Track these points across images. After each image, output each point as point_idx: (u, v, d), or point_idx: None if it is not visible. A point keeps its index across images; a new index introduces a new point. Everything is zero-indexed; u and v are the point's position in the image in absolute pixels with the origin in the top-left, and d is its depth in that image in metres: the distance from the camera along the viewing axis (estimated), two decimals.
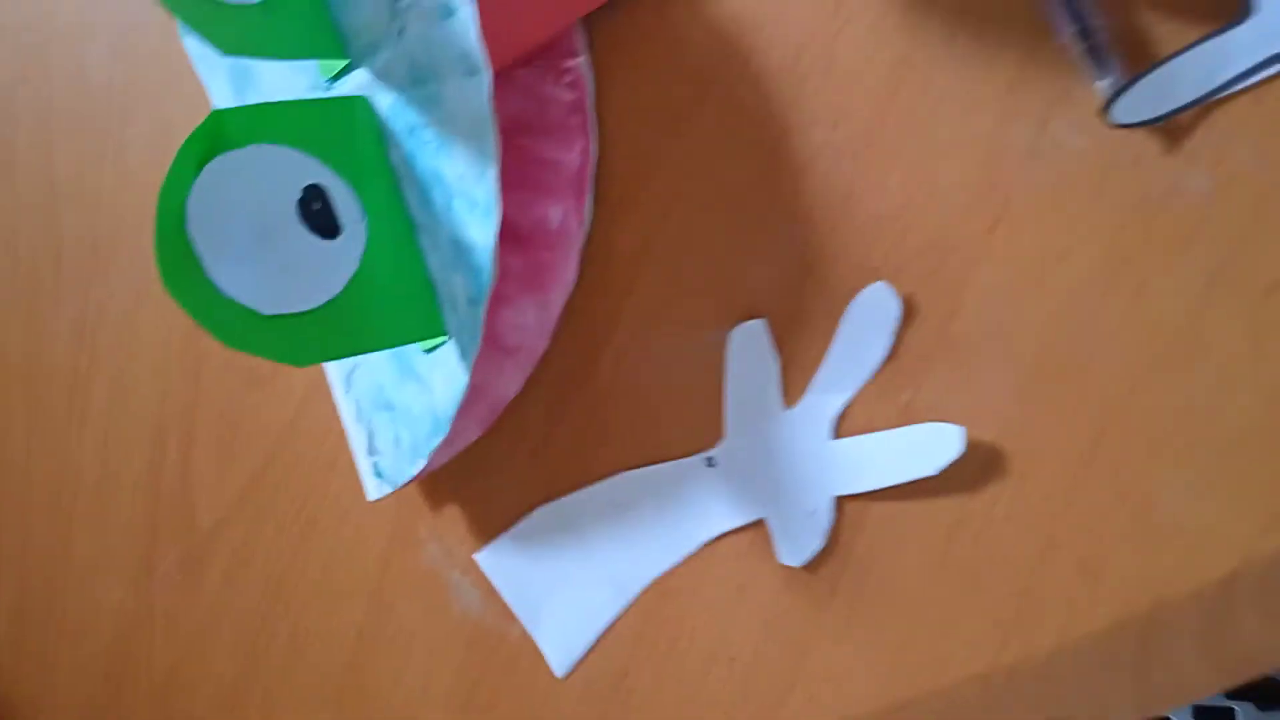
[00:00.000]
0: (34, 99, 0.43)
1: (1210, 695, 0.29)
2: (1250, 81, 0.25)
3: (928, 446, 0.30)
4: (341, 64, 0.32)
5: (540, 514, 0.36)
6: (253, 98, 0.35)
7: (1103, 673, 0.29)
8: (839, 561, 0.32)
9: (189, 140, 0.27)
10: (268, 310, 0.28)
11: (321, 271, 0.29)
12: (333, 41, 0.31)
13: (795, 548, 0.32)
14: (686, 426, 0.33)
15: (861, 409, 0.31)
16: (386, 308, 0.31)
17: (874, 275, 0.30)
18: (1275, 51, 0.25)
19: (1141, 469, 0.28)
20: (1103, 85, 0.26)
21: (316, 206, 0.30)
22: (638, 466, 0.34)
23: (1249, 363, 0.27)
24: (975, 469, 0.30)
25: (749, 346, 0.32)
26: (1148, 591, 0.28)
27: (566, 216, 0.32)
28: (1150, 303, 0.27)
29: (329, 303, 0.29)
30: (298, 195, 0.29)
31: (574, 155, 0.32)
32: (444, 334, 0.32)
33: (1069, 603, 0.29)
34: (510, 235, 0.32)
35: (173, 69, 0.39)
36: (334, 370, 0.37)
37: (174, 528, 0.43)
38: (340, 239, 0.30)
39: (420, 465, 0.33)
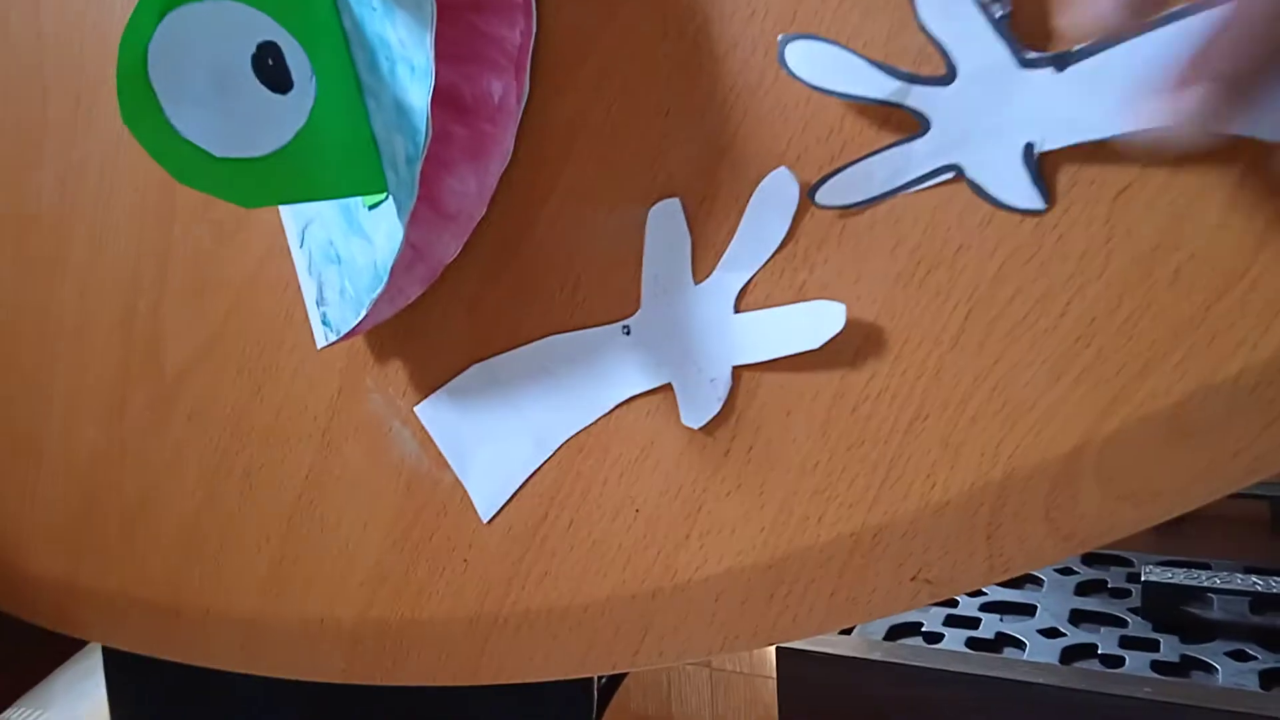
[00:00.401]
0: None
1: (1054, 563, 0.32)
2: (923, 186, 0.30)
3: (814, 322, 0.32)
4: None
5: (473, 372, 0.39)
6: None
7: (959, 537, 0.32)
8: (733, 425, 0.35)
9: None
10: (220, 153, 0.31)
11: (272, 122, 0.32)
12: None
13: (696, 411, 0.35)
14: (607, 295, 0.36)
15: (761, 286, 0.34)
16: (331, 160, 0.33)
17: (779, 161, 0.32)
18: (943, 164, 0.30)
19: (1000, 352, 0.31)
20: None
21: (270, 62, 0.32)
22: (563, 331, 0.37)
23: (1100, 259, 0.29)
24: (856, 346, 0.33)
25: (665, 224, 0.34)
26: (1000, 464, 0.31)
27: (506, 91, 0.35)
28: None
29: (278, 151, 0.32)
30: (252, 50, 0.32)
31: (515, 33, 0.34)
32: (385, 190, 0.34)
33: (931, 471, 0.32)
34: (455, 105, 0.35)
35: None
36: (290, 225, 0.40)
37: (144, 371, 0.46)
38: (291, 94, 0.33)
39: (362, 314, 0.36)
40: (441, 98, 0.35)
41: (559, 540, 0.39)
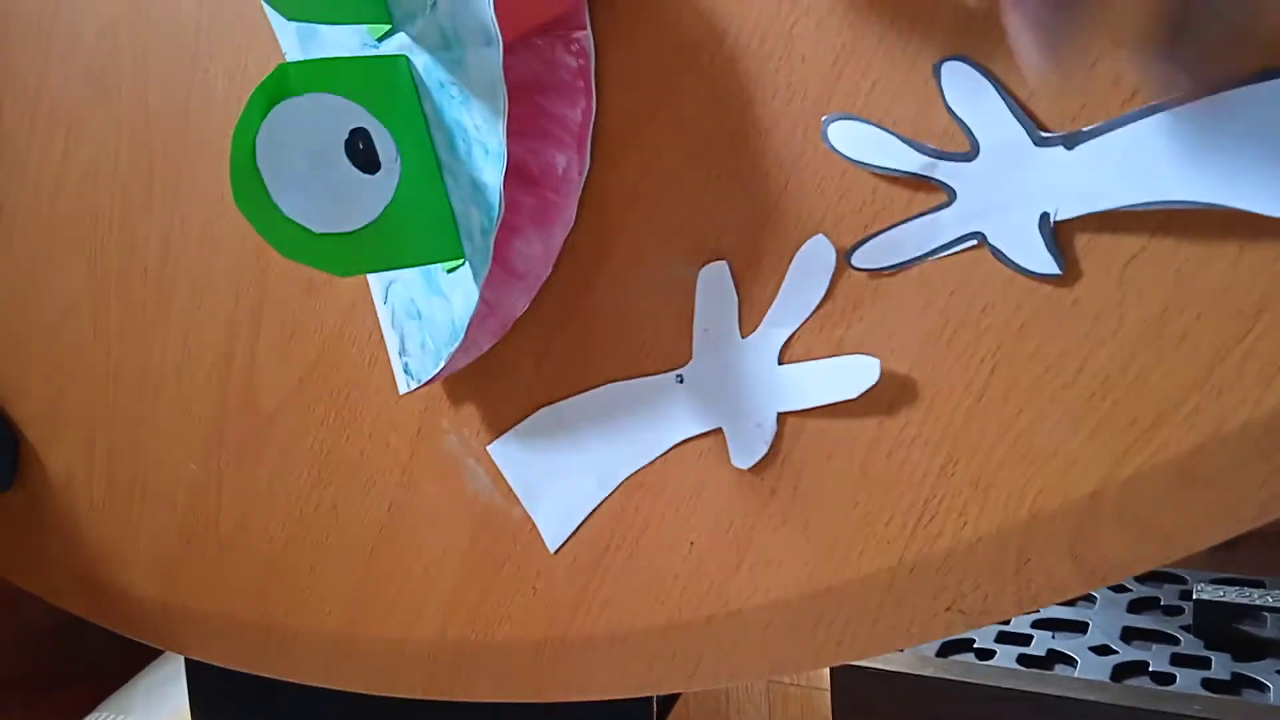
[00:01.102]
0: (133, 40, 0.50)
1: (1080, 594, 0.35)
2: (950, 252, 0.33)
3: (851, 375, 0.35)
4: (386, 27, 0.38)
5: (541, 415, 0.42)
6: (315, 49, 0.41)
7: (990, 572, 0.35)
8: (779, 466, 0.38)
9: (259, 88, 0.34)
10: (318, 229, 0.35)
11: (363, 200, 0.36)
12: (380, 9, 0.37)
13: (745, 453, 0.38)
14: (662, 347, 0.39)
15: (803, 341, 0.37)
16: (415, 232, 0.37)
17: (817, 228, 0.36)
18: (967, 231, 0.33)
19: (1023, 404, 0.33)
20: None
21: (360, 146, 0.36)
22: (622, 379, 0.40)
23: (1114, 319, 0.32)
24: (891, 396, 0.35)
25: (714, 284, 0.38)
26: (1026, 505, 0.34)
27: (569, 164, 0.38)
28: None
29: (367, 225, 0.36)
30: (345, 136, 0.36)
31: (578, 112, 0.38)
32: (462, 257, 0.38)
33: (962, 511, 0.35)
34: (523, 177, 0.39)
35: (250, 18, 0.45)
36: (375, 283, 0.44)
37: (241, 410, 0.51)
38: (379, 174, 0.36)
39: (440, 366, 0.40)
40: (511, 170, 0.38)
41: (620, 570, 0.42)
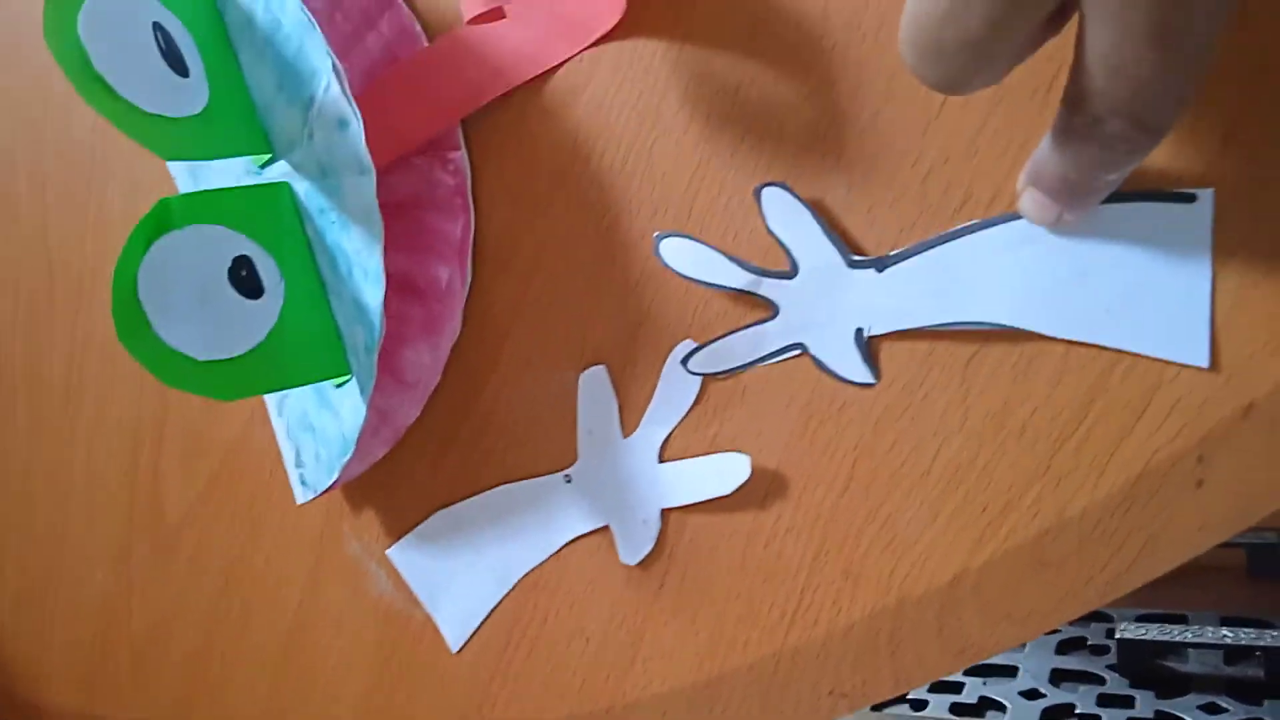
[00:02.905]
0: (30, 160, 0.51)
1: (949, 674, 0.36)
2: (776, 360, 0.36)
3: (724, 471, 0.37)
4: (269, 155, 0.39)
5: (438, 518, 0.43)
6: (203, 177, 0.42)
7: (865, 656, 0.37)
8: (666, 561, 0.39)
9: (140, 224, 0.35)
10: (202, 357, 0.36)
11: (247, 325, 0.37)
12: (261, 140, 0.39)
13: (632, 549, 0.40)
14: (551, 449, 0.41)
15: (680, 439, 0.38)
16: (300, 352, 0.38)
17: (686, 333, 0.37)
18: (790, 342, 0.35)
19: (884, 495, 0.35)
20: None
21: (243, 273, 0.37)
22: (513, 480, 0.42)
23: (959, 414, 0.34)
24: (764, 490, 0.37)
25: (594, 387, 0.39)
26: (894, 591, 0.36)
27: (452, 276, 0.40)
28: (885, 364, 0.35)
29: (253, 350, 0.37)
30: (228, 264, 0.37)
31: (458, 227, 0.39)
32: (349, 373, 0.39)
33: (835, 598, 0.37)
34: (410, 289, 0.40)
35: None
36: (269, 397, 0.45)
37: (147, 520, 0.51)
38: (263, 299, 0.38)
39: (334, 478, 0.41)
40: (397, 283, 0.40)
41: (521, 666, 0.43)
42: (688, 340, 0.37)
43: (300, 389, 0.42)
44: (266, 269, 0.38)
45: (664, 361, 0.38)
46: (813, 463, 0.36)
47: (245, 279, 0.37)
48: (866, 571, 0.36)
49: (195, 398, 0.48)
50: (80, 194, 0.50)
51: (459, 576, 0.43)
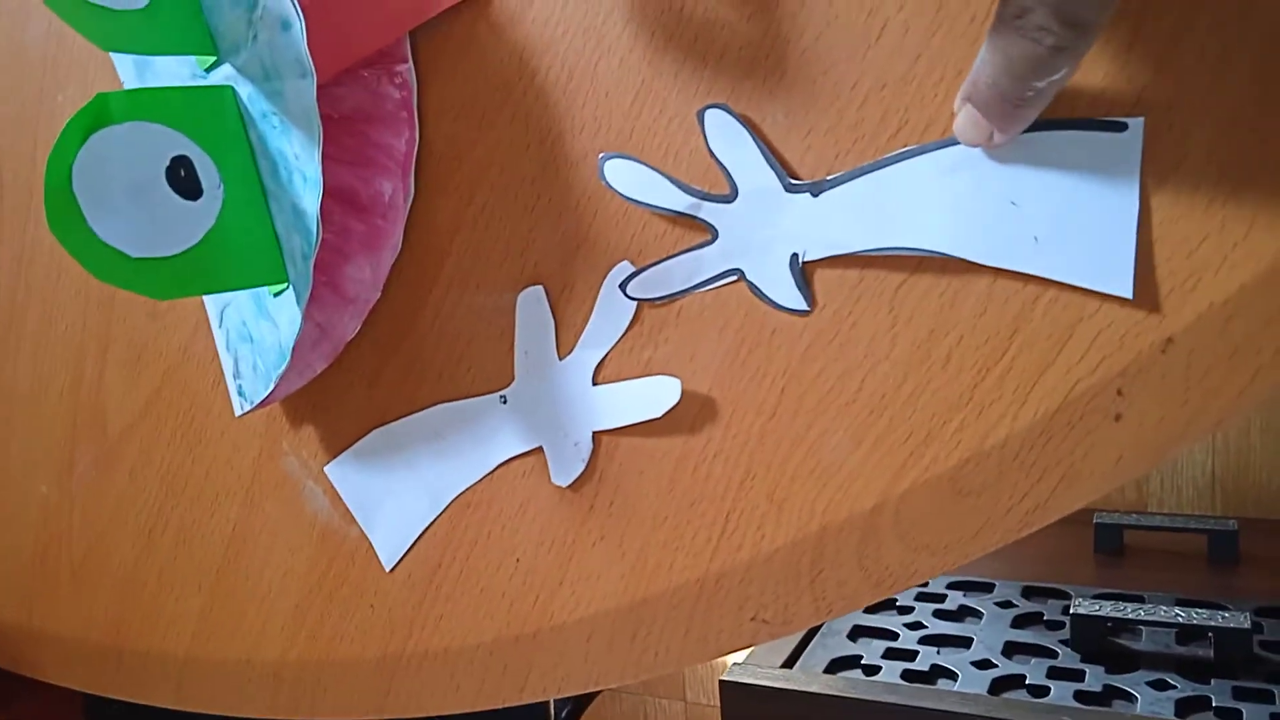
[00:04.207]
0: None
1: (870, 603, 0.36)
2: (713, 286, 0.36)
3: (656, 394, 0.37)
4: (214, 58, 0.39)
5: (375, 436, 0.43)
6: (150, 79, 0.42)
7: (788, 583, 0.37)
8: (595, 484, 0.39)
9: (77, 116, 0.35)
10: (135, 254, 0.36)
11: (183, 225, 0.37)
12: (205, 41, 0.38)
13: (564, 471, 0.40)
14: (487, 369, 0.41)
15: (614, 362, 0.38)
16: (237, 257, 0.38)
17: (624, 255, 0.37)
18: (727, 268, 0.35)
19: (811, 421, 0.35)
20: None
21: (182, 173, 0.37)
22: (450, 400, 0.42)
23: (887, 342, 0.34)
24: (694, 414, 0.37)
25: (532, 308, 0.39)
26: (817, 518, 0.36)
27: (395, 191, 0.40)
28: (816, 290, 0.35)
29: (187, 250, 0.37)
30: (166, 163, 0.37)
31: (402, 142, 0.39)
32: (286, 280, 0.39)
33: (760, 524, 0.37)
34: (353, 203, 0.40)
35: (97, 50, 0.46)
36: (211, 307, 0.45)
37: (90, 433, 0.51)
38: (200, 200, 0.37)
39: (270, 388, 0.41)
40: (341, 197, 0.40)
41: (452, 587, 0.43)
42: (625, 262, 0.37)
43: (240, 298, 0.42)
44: (206, 171, 0.38)
45: (601, 284, 0.38)
46: (743, 388, 0.36)
47: (184, 179, 0.37)
48: (792, 497, 0.36)
49: (140, 310, 0.48)
50: (31, 106, 0.49)
51: (394, 495, 0.43)
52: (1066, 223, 0.31)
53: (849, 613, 0.36)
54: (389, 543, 0.44)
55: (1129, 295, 0.31)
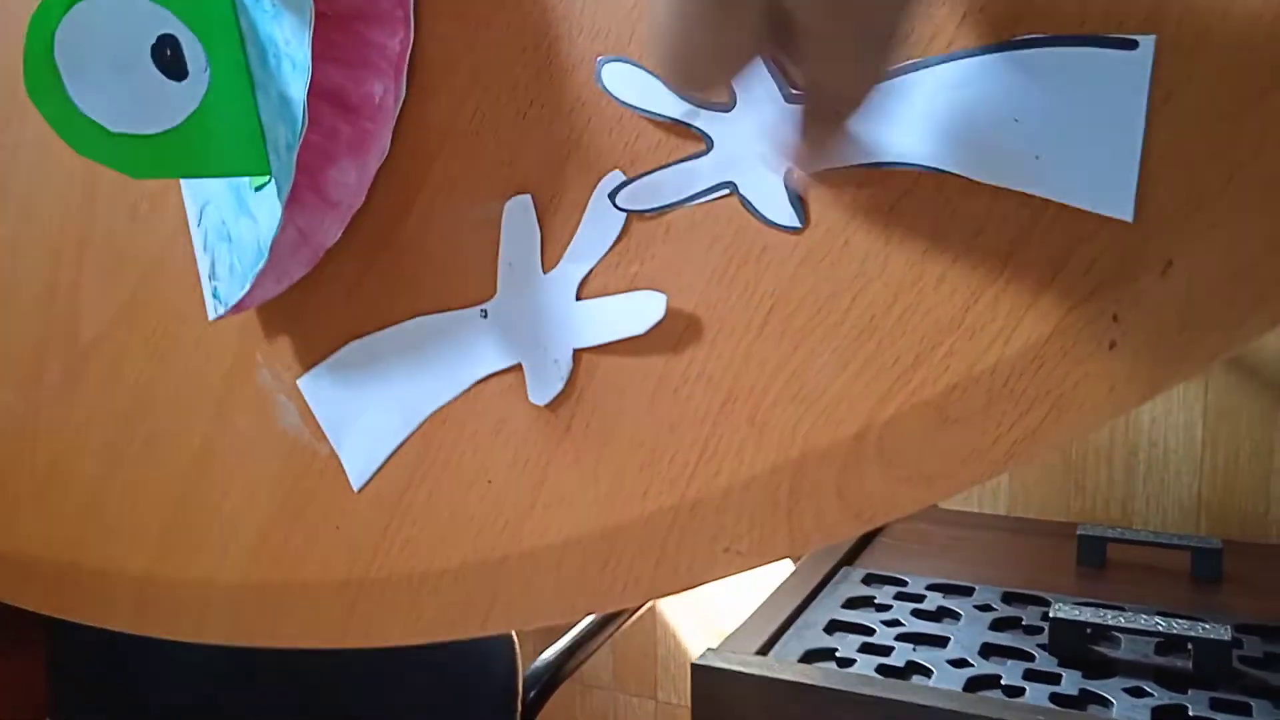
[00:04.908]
0: None
1: (848, 538, 0.35)
2: (704, 200, 0.35)
3: (640, 310, 0.36)
4: None
5: (351, 348, 0.42)
6: None
7: (764, 512, 0.36)
8: (574, 404, 0.38)
9: None
10: (116, 129, 0.35)
11: (166, 105, 0.36)
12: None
13: (542, 389, 0.39)
14: (469, 281, 0.40)
15: (600, 277, 0.37)
16: (219, 143, 0.37)
17: (615, 165, 0.36)
18: (720, 180, 0.34)
19: (797, 342, 0.34)
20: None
21: (169, 52, 0.36)
22: (429, 313, 0.41)
23: (880, 261, 0.33)
24: (678, 333, 0.36)
25: (518, 218, 0.38)
26: (797, 444, 0.35)
27: (386, 92, 0.39)
28: (810, 207, 0.34)
29: (169, 130, 0.36)
30: (153, 41, 0.36)
31: (396, 42, 0.38)
32: (267, 172, 0.38)
33: (739, 449, 0.36)
34: (341, 104, 0.39)
35: None
36: (190, 204, 0.44)
37: (62, 341, 0.50)
38: (185, 82, 0.36)
39: (247, 288, 0.40)
40: (330, 98, 0.39)
41: (420, 509, 0.42)
42: (616, 171, 0.36)
43: (221, 196, 0.41)
44: (193, 53, 0.37)
45: (591, 194, 0.37)
46: (729, 307, 0.35)
47: (170, 59, 0.36)
48: (772, 422, 0.35)
49: (119, 210, 0.47)
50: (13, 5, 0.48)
51: (367, 411, 0.42)
52: (1069, 142, 0.30)
53: (825, 545, 0.35)
54: (359, 461, 0.43)
55: (1129, 218, 0.30)
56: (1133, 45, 0.29)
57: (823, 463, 0.35)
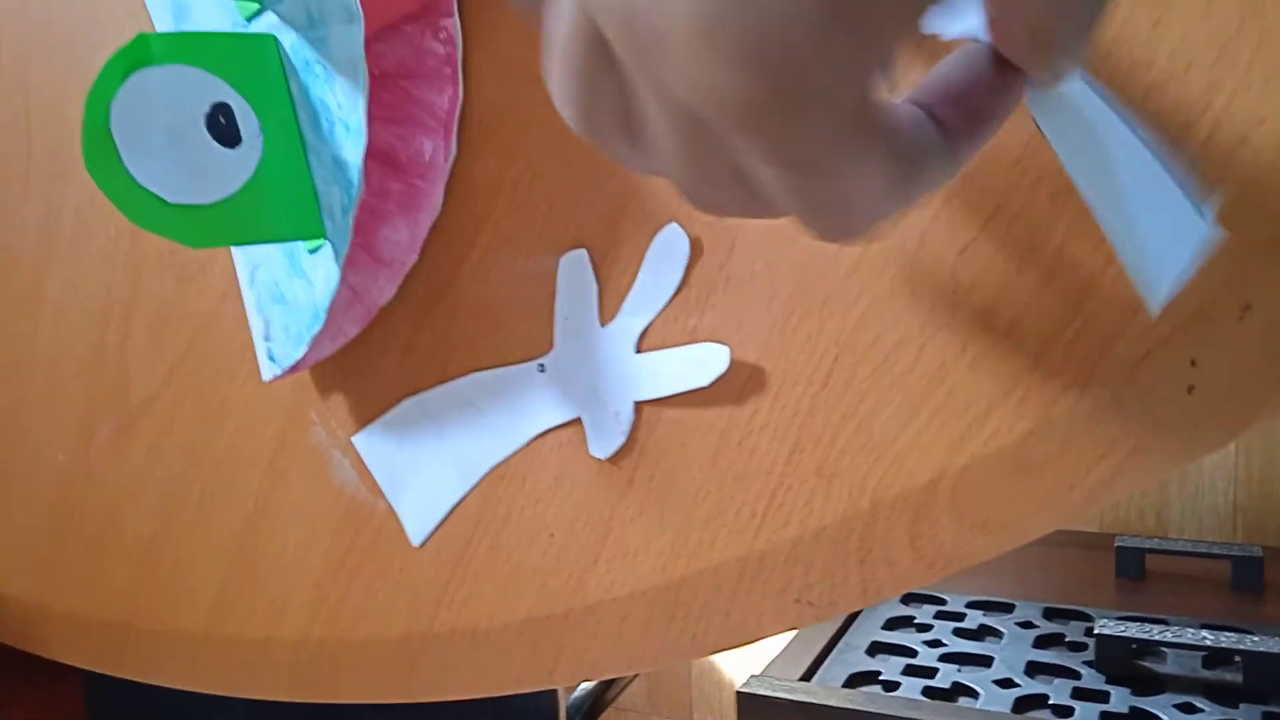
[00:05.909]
0: (14, 28, 0.50)
1: (920, 586, 0.35)
2: None
3: (703, 362, 0.36)
4: (256, 7, 0.38)
5: (406, 405, 0.42)
6: (188, 25, 0.41)
7: (835, 562, 0.35)
8: (636, 457, 0.38)
9: (116, 55, 0.34)
10: (172, 199, 0.35)
11: (221, 173, 0.36)
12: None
13: (603, 443, 0.38)
14: (526, 336, 0.40)
15: (659, 330, 0.37)
16: (274, 209, 0.37)
17: (672, 217, 0.36)
18: None
19: (864, 392, 0.34)
20: None
21: (222, 120, 0.36)
22: (485, 369, 0.40)
23: (948, 308, 0.33)
24: (741, 384, 0.36)
25: (574, 272, 0.38)
26: (868, 494, 0.34)
27: (436, 150, 0.39)
28: (873, 256, 0.33)
29: (225, 199, 0.36)
30: (207, 110, 0.36)
31: (445, 99, 0.38)
32: (323, 235, 0.38)
33: (808, 500, 0.35)
34: (391, 163, 0.39)
35: (132, 8, 0.45)
36: (241, 267, 0.43)
37: (111, 401, 0.50)
38: (239, 149, 0.36)
39: (304, 350, 0.40)
40: (380, 156, 0.39)
41: (482, 564, 0.42)
42: (673, 224, 0.36)
43: (273, 257, 0.41)
44: (246, 119, 0.37)
45: (648, 246, 0.37)
46: (792, 358, 0.35)
47: (223, 127, 0.36)
48: (841, 472, 0.35)
49: (168, 272, 0.47)
50: (64, 62, 0.48)
51: (424, 468, 0.42)
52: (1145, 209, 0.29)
53: (897, 595, 0.35)
54: (417, 517, 0.42)
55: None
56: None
57: (894, 513, 0.34)
